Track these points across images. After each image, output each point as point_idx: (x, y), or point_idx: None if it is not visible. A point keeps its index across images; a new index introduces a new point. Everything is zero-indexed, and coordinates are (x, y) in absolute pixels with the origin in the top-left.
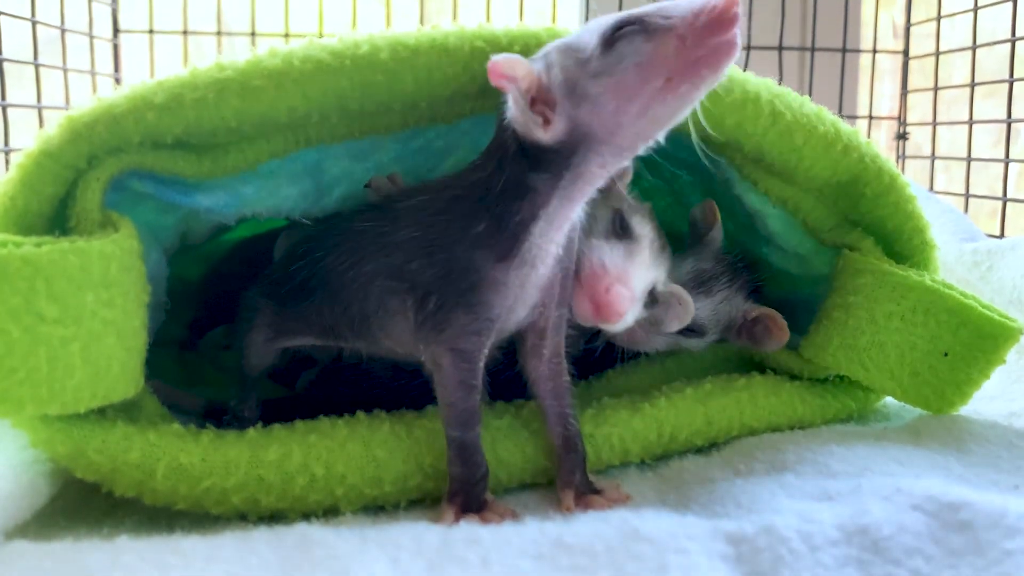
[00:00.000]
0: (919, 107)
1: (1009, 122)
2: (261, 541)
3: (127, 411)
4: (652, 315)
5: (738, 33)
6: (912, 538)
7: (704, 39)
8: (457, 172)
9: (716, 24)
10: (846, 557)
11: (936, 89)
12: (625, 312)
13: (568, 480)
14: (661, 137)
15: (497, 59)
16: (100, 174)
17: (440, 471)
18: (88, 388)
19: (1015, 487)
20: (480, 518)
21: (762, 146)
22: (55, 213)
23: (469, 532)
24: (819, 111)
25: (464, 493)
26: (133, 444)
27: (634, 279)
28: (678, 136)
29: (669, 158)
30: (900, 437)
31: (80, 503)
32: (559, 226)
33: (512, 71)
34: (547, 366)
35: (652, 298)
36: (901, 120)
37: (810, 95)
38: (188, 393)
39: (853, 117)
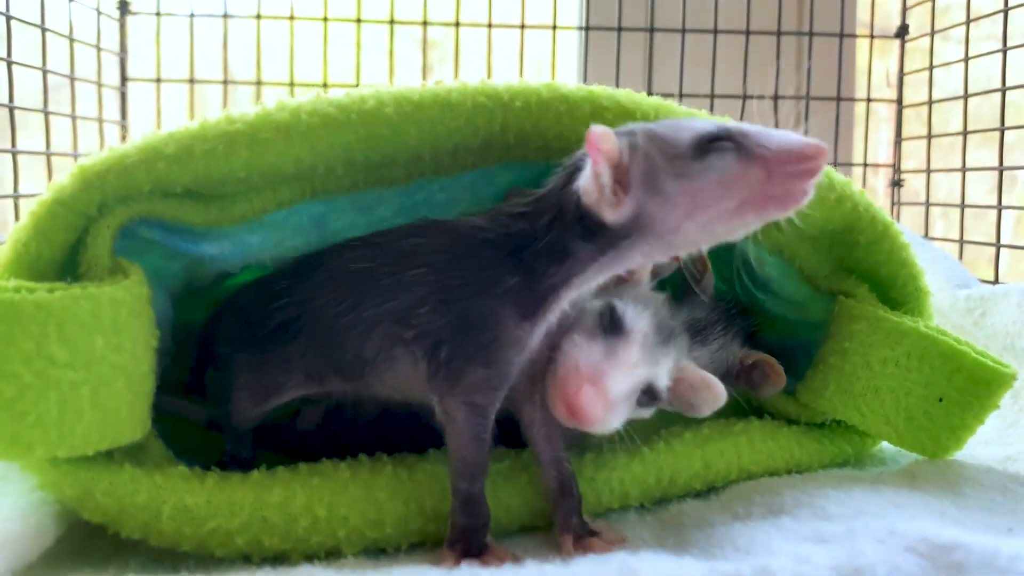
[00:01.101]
0: (916, 154)
1: (1001, 169)
2: None
3: (133, 454)
4: (681, 402)
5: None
6: None
7: (787, 180)
8: (484, 215)
9: (803, 169)
10: None
11: (929, 137)
12: (599, 417)
13: (565, 525)
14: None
15: (596, 131)
16: (110, 221)
17: (441, 514)
18: (96, 431)
19: (1009, 530)
20: (480, 562)
21: None
22: (66, 259)
23: (470, 572)
24: None
25: (465, 540)
26: (140, 486)
27: (612, 381)
28: None
29: None
30: (896, 481)
31: (86, 544)
32: (583, 292)
33: (606, 145)
34: (540, 411)
35: (651, 395)
36: (896, 167)
37: None
38: (191, 404)
39: (849, 164)
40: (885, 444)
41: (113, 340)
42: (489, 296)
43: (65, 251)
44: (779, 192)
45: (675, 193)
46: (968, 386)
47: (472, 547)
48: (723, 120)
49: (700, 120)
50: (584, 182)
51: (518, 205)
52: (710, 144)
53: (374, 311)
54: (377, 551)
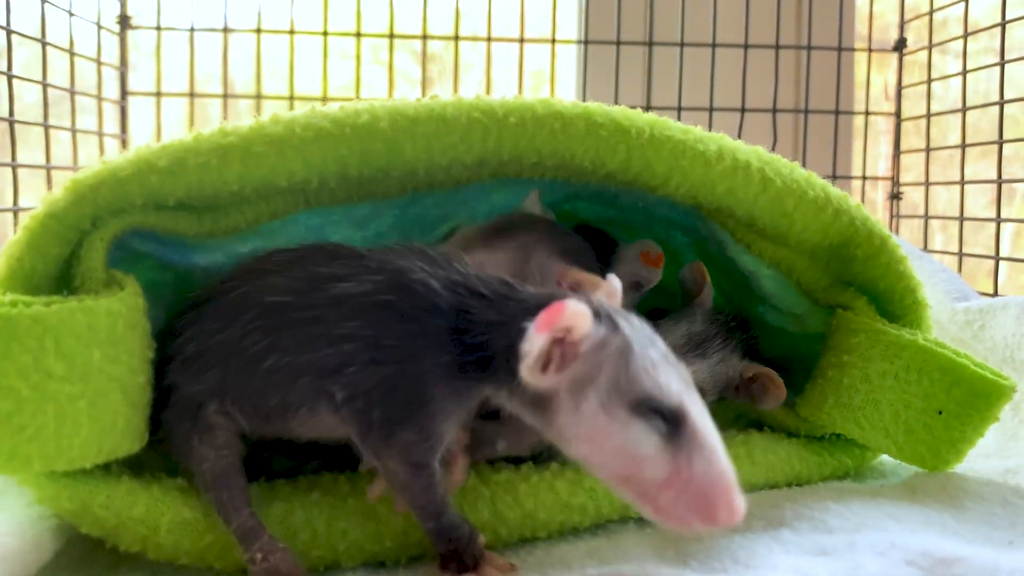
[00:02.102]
0: (914, 167)
1: (1000, 182)
2: None
3: (131, 466)
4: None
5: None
6: None
7: (686, 506)
8: (441, 271)
9: (708, 511)
10: None
11: (928, 150)
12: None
13: None
14: None
15: (568, 309)
16: (104, 234)
17: None
18: (94, 444)
19: (1009, 543)
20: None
21: (753, 212)
22: (60, 273)
23: None
24: (809, 176)
25: (456, 559)
26: (138, 499)
27: None
28: (671, 200)
29: (663, 220)
30: (896, 494)
31: (84, 559)
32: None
33: (573, 323)
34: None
35: None
36: (895, 180)
37: (804, 156)
38: None
39: (847, 178)
40: (885, 457)
41: (110, 352)
42: (420, 364)
43: (59, 265)
44: (668, 505)
45: (587, 418)
46: (968, 398)
47: (466, 563)
48: (689, 394)
49: (674, 376)
50: (528, 339)
51: (484, 281)
52: (650, 412)
53: (296, 359)
54: (377, 565)
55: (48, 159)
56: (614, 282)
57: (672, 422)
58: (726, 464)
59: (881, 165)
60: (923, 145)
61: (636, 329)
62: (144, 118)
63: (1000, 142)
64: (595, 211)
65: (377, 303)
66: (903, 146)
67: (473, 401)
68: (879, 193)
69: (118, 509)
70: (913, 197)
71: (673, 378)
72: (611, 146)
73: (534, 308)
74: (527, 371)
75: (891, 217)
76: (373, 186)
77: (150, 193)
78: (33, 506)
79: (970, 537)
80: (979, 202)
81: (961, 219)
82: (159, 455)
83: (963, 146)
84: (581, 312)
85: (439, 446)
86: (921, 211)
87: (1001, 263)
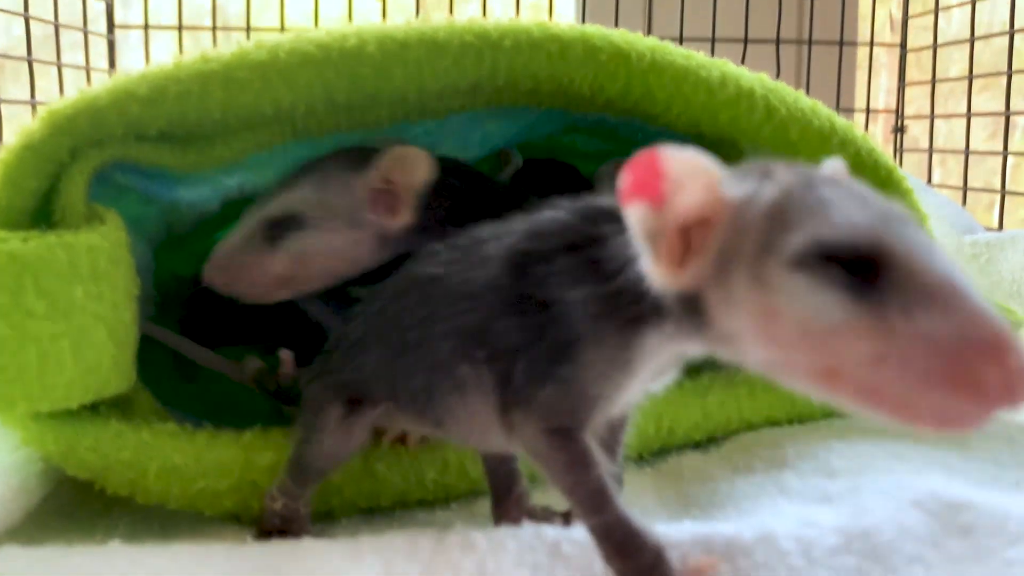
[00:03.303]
0: (915, 101)
1: (1007, 115)
2: (255, 546)
3: (120, 407)
4: None
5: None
6: (913, 544)
7: (938, 386)
8: (570, 206)
9: (974, 378)
10: (844, 568)
11: (934, 82)
12: None
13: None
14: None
15: (664, 157)
16: (83, 167)
17: (444, 485)
18: (80, 384)
19: (1016, 483)
20: None
21: (757, 142)
22: (38, 208)
23: (464, 536)
24: (814, 105)
25: None
26: (126, 442)
27: None
28: (673, 132)
29: None
30: (900, 433)
31: (74, 503)
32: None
33: (689, 188)
34: None
35: None
36: (899, 113)
37: (807, 89)
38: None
39: (850, 111)
40: None
41: (92, 289)
42: (558, 305)
43: (37, 199)
44: (893, 389)
45: (742, 300)
46: None
47: None
48: (892, 225)
49: (860, 206)
50: (636, 219)
51: (612, 201)
52: (828, 262)
53: (444, 325)
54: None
55: (33, 95)
56: None
57: (865, 268)
58: (977, 308)
59: (881, 99)
60: (926, 77)
61: (787, 170)
62: (133, 53)
63: (1009, 73)
64: (593, 144)
65: (515, 251)
66: (907, 79)
67: (634, 355)
68: (879, 127)
69: (105, 452)
70: (913, 131)
71: (857, 208)
72: (610, 71)
73: None
74: (650, 269)
75: (894, 151)
76: (363, 114)
77: (130, 123)
78: (19, 450)
79: (976, 477)
80: (979, 136)
81: (967, 153)
82: (150, 394)
83: (970, 77)
84: (687, 160)
85: (589, 412)
86: (922, 145)
87: (999, 197)
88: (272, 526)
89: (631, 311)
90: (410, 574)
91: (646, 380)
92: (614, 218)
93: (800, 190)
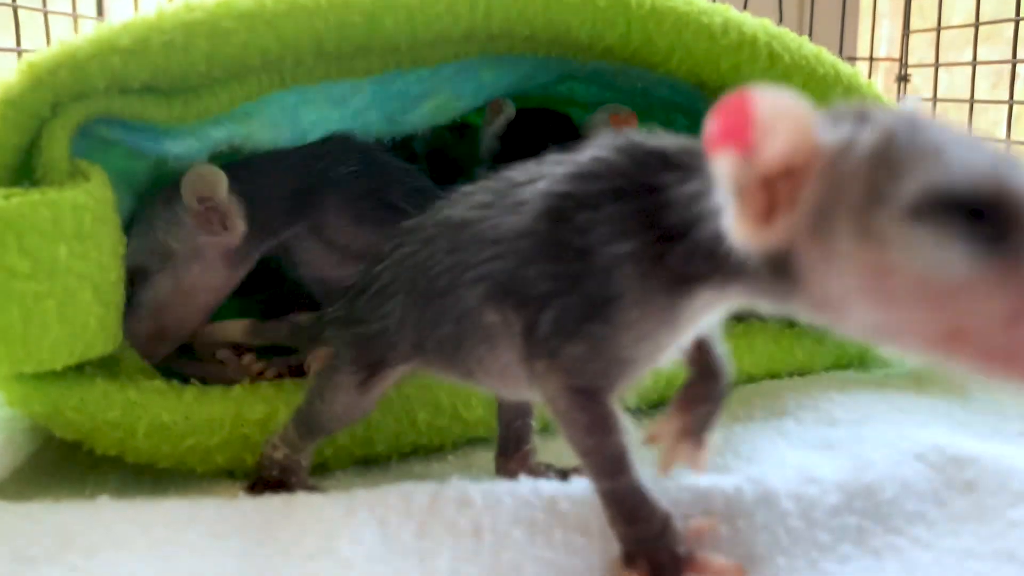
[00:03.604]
0: (918, 49)
1: (1014, 63)
2: (246, 502)
3: (106, 367)
4: None
5: None
6: (915, 502)
7: None
8: (615, 147)
9: None
10: (844, 529)
11: (939, 30)
12: None
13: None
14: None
15: (754, 100)
16: (65, 122)
17: (436, 427)
18: (65, 345)
19: (1019, 434)
20: None
21: None
22: (20, 164)
23: (460, 491)
24: (818, 52)
25: (647, 555)
26: (113, 402)
27: None
28: (673, 81)
29: (664, 103)
30: (901, 384)
31: (63, 459)
32: (727, 305)
33: (779, 131)
34: None
35: None
36: (902, 62)
37: (810, 36)
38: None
39: (853, 59)
40: None
41: (77, 248)
42: (600, 256)
43: (18, 155)
44: None
45: (847, 256)
46: None
47: (663, 562)
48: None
49: (969, 141)
50: (722, 171)
51: (676, 151)
52: (947, 211)
53: (474, 272)
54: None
55: (19, 43)
56: None
57: (989, 217)
58: None
59: (884, 48)
60: (929, 25)
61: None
62: (124, 1)
63: (1017, 19)
64: (591, 93)
65: (553, 194)
66: (911, 27)
67: (681, 316)
68: (881, 76)
69: (92, 412)
70: (916, 80)
71: (971, 151)
72: (609, 18)
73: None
74: (734, 226)
75: (898, 100)
76: (353, 63)
77: (113, 75)
78: (4, 408)
79: (979, 429)
80: (981, 86)
81: (972, 102)
82: (135, 353)
83: (976, 24)
84: (779, 102)
85: (619, 376)
86: (925, 94)
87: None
88: (269, 476)
89: (688, 269)
90: (405, 531)
91: (686, 342)
92: (671, 165)
93: (905, 133)
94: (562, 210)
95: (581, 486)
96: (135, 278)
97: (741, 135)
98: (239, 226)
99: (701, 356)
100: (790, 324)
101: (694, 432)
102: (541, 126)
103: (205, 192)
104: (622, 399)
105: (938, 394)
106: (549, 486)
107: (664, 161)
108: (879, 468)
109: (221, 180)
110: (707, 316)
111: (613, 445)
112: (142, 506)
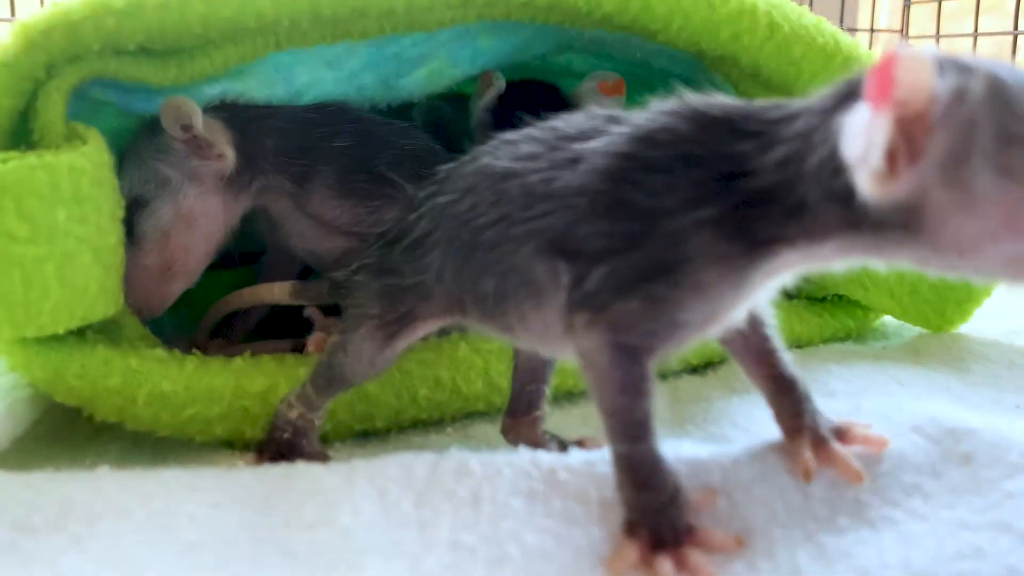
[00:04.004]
0: (919, 21)
1: (1015, 34)
2: (246, 472)
3: (107, 332)
4: None
5: None
6: (912, 474)
7: None
8: (686, 118)
9: None
10: (841, 501)
11: (940, 1)
12: None
13: (794, 426)
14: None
15: (898, 57)
16: (60, 84)
17: (436, 402)
18: (65, 309)
19: (1016, 407)
20: (676, 561)
21: (759, 59)
22: (16, 128)
23: (460, 461)
24: (818, 22)
25: (649, 524)
26: (113, 369)
27: None
28: (672, 52)
29: (662, 73)
30: (899, 356)
31: (63, 429)
32: (807, 264)
33: (908, 84)
34: None
35: None
36: (903, 33)
37: (810, 6)
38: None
39: (854, 30)
40: (888, 318)
41: (76, 212)
42: (676, 219)
43: (13, 118)
44: None
45: (988, 196)
46: None
47: (664, 534)
48: None
49: None
50: (855, 127)
51: (742, 118)
52: None
53: (524, 227)
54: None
55: (13, 12)
56: None
57: None
58: None
59: (884, 19)
60: None
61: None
62: None
63: None
64: (589, 63)
65: (617, 154)
66: None
67: (754, 277)
68: (880, 48)
69: (93, 379)
70: None
71: None
72: None
73: (838, 96)
74: (872, 179)
75: None
76: (349, 25)
77: (107, 37)
78: (6, 375)
79: (976, 401)
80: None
81: None
82: (137, 319)
83: None
84: (914, 59)
85: (668, 338)
86: None
87: None
88: (280, 438)
89: (773, 232)
90: (404, 501)
91: (740, 313)
92: (742, 132)
93: (1007, 77)
94: (626, 171)
95: (580, 457)
96: (134, 209)
97: (885, 93)
98: (228, 152)
99: (763, 370)
100: (788, 296)
101: (820, 440)
102: (531, 98)
103: (185, 120)
104: (659, 363)
105: (935, 366)
106: (548, 457)
107: (732, 128)
108: None
109: (194, 111)
110: (776, 280)
111: (641, 409)
112: (143, 476)
